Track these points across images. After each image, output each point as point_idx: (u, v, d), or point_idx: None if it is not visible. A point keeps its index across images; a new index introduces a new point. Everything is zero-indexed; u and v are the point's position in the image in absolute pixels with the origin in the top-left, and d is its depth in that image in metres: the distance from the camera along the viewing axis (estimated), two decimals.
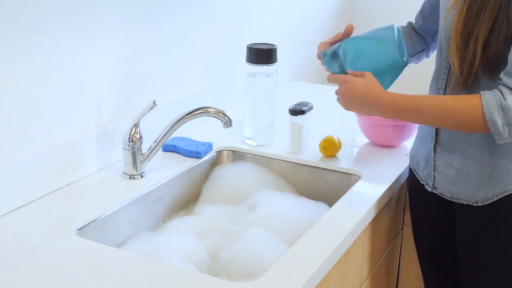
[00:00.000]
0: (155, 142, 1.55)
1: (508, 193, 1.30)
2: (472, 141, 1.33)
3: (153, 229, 1.52)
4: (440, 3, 1.40)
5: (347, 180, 1.64)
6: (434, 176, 1.45)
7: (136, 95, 1.67)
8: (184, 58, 1.85)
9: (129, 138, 1.51)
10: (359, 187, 1.54)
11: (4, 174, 1.32)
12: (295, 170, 1.72)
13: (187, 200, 1.67)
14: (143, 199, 1.51)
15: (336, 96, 1.45)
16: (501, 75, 1.21)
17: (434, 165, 1.44)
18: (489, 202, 1.33)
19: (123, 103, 1.63)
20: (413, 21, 1.61)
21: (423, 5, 1.55)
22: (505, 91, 1.19)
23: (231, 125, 1.56)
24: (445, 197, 1.43)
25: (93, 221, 1.36)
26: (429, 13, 1.53)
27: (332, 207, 1.44)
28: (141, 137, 1.53)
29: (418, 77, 2.08)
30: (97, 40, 1.51)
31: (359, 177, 1.59)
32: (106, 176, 1.55)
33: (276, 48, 1.76)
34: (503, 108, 1.18)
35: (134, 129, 1.52)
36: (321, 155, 1.71)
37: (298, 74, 2.58)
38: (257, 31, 2.19)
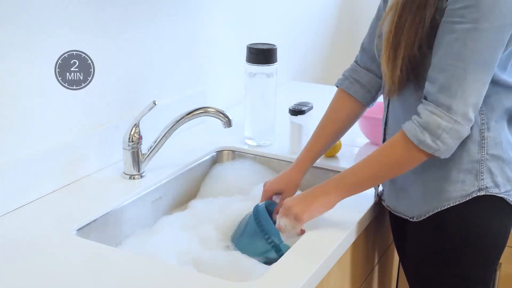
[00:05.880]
0: (155, 142, 1.55)
1: (439, 210, 1.30)
2: None
3: (153, 229, 1.52)
4: (374, 22, 1.44)
5: None
6: (382, 187, 1.46)
7: (136, 95, 1.67)
8: (184, 58, 1.85)
9: (129, 138, 1.51)
10: None
11: (4, 174, 1.32)
12: None
13: (187, 200, 1.67)
14: (143, 199, 1.51)
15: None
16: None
17: None
18: (422, 218, 1.33)
19: (123, 103, 1.63)
20: (356, 65, 1.52)
21: (363, 41, 1.50)
22: (421, 109, 1.20)
23: (231, 125, 1.56)
24: (390, 210, 1.43)
25: (93, 221, 1.36)
26: (369, 43, 1.47)
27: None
28: (141, 137, 1.53)
29: None
30: (98, 41, 1.51)
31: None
32: (106, 176, 1.55)
33: (276, 48, 1.76)
34: (423, 126, 1.19)
35: (134, 129, 1.52)
36: None
37: (298, 74, 2.58)
38: (257, 31, 2.19)
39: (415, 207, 1.34)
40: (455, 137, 1.19)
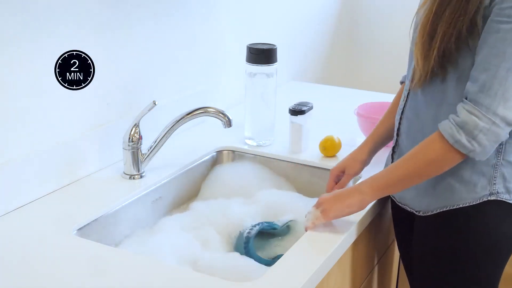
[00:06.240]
0: (155, 142, 1.55)
1: (448, 208, 1.30)
2: None
3: (153, 229, 1.52)
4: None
5: None
6: None
7: (136, 95, 1.67)
8: (184, 58, 1.85)
9: (129, 138, 1.51)
10: None
11: (4, 174, 1.32)
12: (295, 170, 1.72)
13: (187, 200, 1.67)
14: (143, 199, 1.51)
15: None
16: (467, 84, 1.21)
17: None
18: (429, 214, 1.33)
19: (123, 103, 1.63)
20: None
21: None
22: (459, 108, 1.19)
23: (231, 125, 1.56)
24: (395, 201, 1.43)
25: (93, 221, 1.36)
26: None
27: None
28: (141, 137, 1.53)
29: None
30: (98, 41, 1.51)
31: (359, 177, 1.59)
32: (106, 176, 1.55)
33: (276, 48, 1.76)
34: (460, 126, 1.18)
35: (134, 129, 1.52)
36: (321, 155, 1.72)
37: (298, 74, 2.58)
38: (257, 31, 2.19)
39: (422, 201, 1.34)
40: (492, 140, 1.18)
